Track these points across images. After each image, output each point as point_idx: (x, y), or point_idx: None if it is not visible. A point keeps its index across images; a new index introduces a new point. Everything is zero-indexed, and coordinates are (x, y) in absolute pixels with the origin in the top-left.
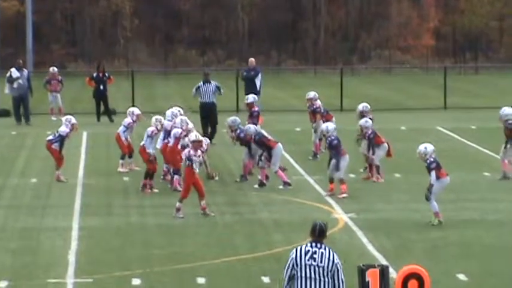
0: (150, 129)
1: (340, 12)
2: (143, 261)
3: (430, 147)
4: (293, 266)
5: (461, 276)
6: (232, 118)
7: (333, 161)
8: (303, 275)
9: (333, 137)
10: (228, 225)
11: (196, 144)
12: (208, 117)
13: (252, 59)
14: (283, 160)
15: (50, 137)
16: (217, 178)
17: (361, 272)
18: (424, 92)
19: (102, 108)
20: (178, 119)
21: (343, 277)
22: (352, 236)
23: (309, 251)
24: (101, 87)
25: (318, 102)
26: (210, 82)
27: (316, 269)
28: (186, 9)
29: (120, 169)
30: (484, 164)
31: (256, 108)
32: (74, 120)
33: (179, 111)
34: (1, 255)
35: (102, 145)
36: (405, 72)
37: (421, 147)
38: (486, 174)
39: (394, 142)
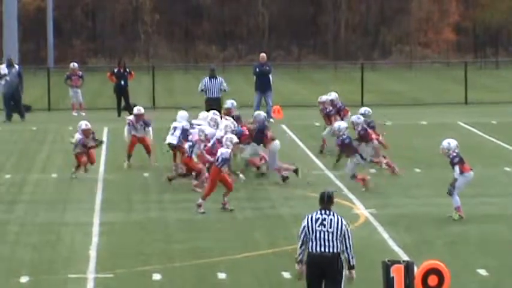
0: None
1: (360, 7)
2: (164, 256)
3: (453, 142)
4: (306, 232)
5: (482, 271)
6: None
7: (349, 160)
8: (315, 239)
9: (344, 136)
10: (248, 220)
11: (237, 145)
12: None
13: (263, 54)
14: (304, 155)
15: (72, 140)
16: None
17: (386, 268)
18: (444, 87)
19: (122, 103)
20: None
21: (352, 241)
22: (372, 232)
23: (318, 218)
24: (122, 82)
25: (338, 102)
26: (216, 77)
27: (326, 234)
28: (207, 4)
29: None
30: (505, 159)
31: (235, 113)
32: (84, 126)
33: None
34: (22, 250)
35: (122, 140)
36: (426, 67)
37: (444, 143)
38: (507, 169)
39: (414, 137)
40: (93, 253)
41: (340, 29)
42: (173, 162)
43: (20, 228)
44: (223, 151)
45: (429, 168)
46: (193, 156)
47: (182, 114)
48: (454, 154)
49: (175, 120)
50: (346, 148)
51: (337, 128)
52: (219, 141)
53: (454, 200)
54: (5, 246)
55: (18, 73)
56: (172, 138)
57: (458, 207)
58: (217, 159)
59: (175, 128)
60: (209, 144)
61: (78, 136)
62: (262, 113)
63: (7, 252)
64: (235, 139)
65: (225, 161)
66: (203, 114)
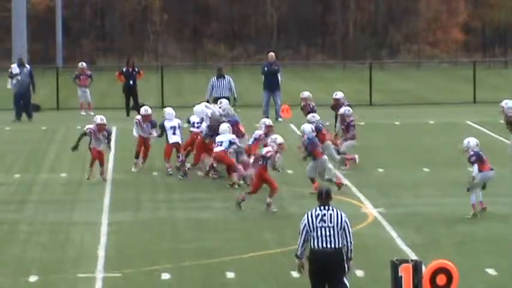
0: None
1: (369, 6)
2: (172, 255)
3: (472, 142)
4: (307, 230)
5: (490, 271)
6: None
7: (312, 162)
8: (316, 235)
9: (310, 137)
10: (257, 220)
11: (282, 146)
12: None
13: (272, 54)
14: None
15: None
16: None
17: (394, 267)
18: (453, 86)
19: (131, 102)
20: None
21: (351, 237)
22: (381, 231)
23: (318, 214)
24: (131, 81)
25: (345, 101)
26: (223, 77)
27: (327, 229)
28: (215, 4)
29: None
30: None
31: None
32: (99, 120)
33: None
34: (31, 250)
35: (131, 140)
36: (434, 67)
37: (465, 141)
38: None
39: (423, 136)
40: (101, 253)
41: (348, 28)
42: (165, 157)
43: (29, 228)
44: (266, 150)
45: (437, 168)
46: (229, 151)
47: (172, 111)
48: (472, 153)
49: (165, 118)
50: (312, 149)
51: (302, 130)
52: (258, 140)
53: (470, 198)
54: (14, 246)
55: (29, 73)
56: (177, 138)
57: (473, 205)
58: (263, 159)
59: (174, 128)
60: (250, 141)
61: (90, 126)
62: (217, 111)
63: (17, 251)
64: (280, 139)
65: (266, 159)
66: (197, 107)
